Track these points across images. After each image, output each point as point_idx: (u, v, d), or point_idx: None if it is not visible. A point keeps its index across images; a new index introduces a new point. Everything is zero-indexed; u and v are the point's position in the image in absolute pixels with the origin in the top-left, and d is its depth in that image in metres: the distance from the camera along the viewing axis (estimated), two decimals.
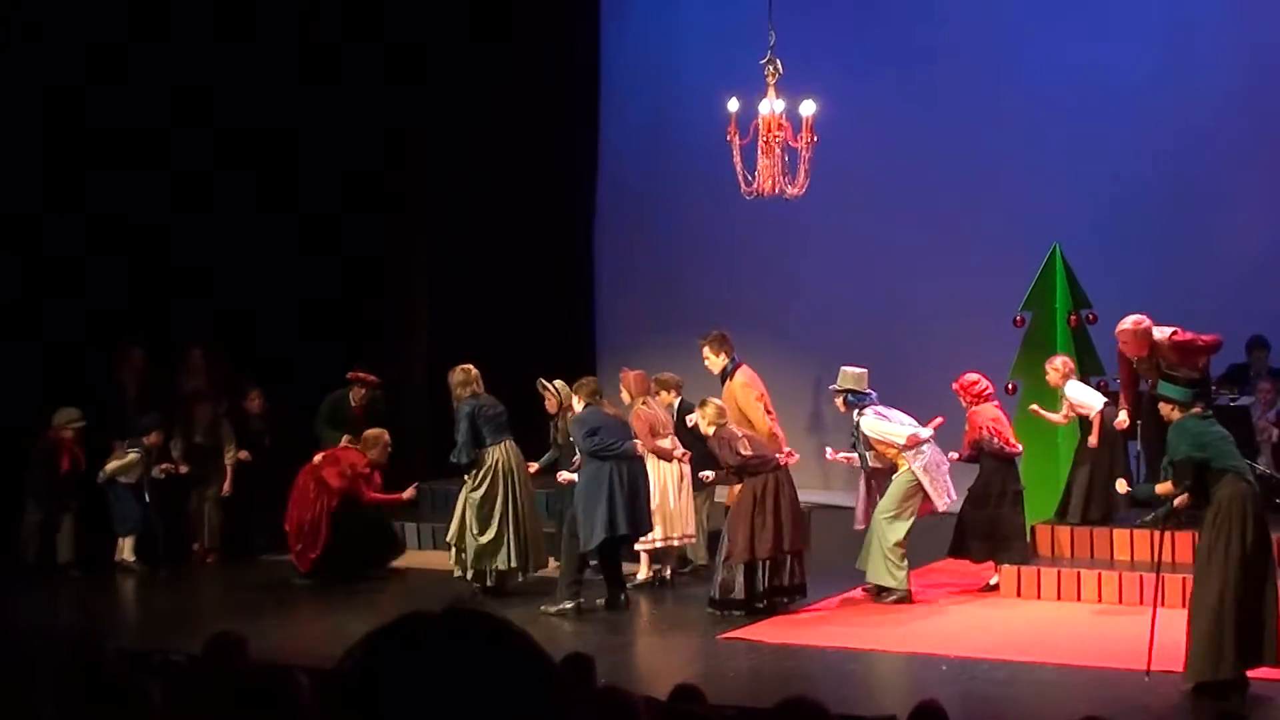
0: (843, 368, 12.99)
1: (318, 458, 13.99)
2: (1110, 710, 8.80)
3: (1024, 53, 15.84)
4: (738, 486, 12.52)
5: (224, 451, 15.13)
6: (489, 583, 13.19)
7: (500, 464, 13.11)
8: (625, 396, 13.44)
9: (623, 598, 12.64)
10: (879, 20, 16.33)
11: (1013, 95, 15.82)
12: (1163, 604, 10.77)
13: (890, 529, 12.51)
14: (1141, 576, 12.13)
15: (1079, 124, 15.54)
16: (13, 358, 14.12)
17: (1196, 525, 10.39)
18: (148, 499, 14.64)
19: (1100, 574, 12.54)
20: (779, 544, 12.19)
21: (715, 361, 13.60)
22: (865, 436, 12.71)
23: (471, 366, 13.36)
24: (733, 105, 12.26)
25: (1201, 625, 9.84)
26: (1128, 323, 12.90)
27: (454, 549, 13.30)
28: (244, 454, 15.18)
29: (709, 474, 12.68)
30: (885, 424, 12.62)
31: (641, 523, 12.63)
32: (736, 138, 12.22)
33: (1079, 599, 12.53)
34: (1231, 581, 9.78)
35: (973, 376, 13.07)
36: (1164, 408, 10.38)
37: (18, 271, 14.32)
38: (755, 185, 12.31)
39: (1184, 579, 10.87)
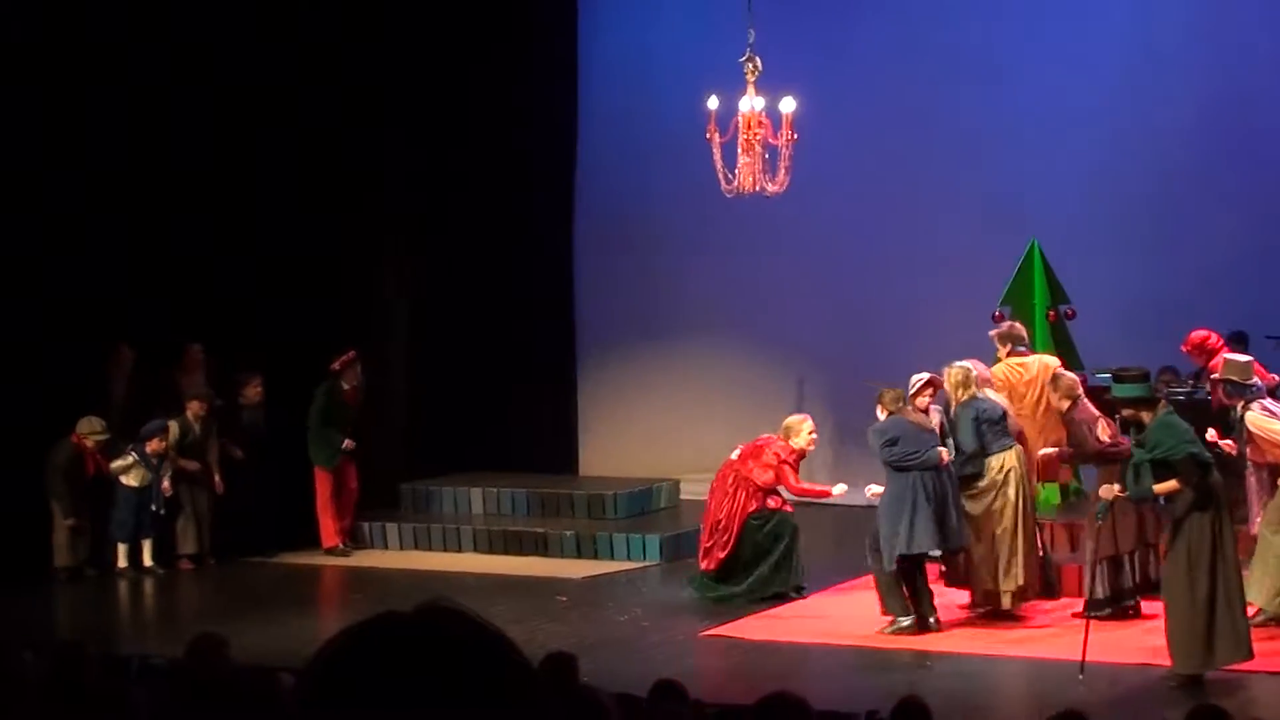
0: (1226, 356, 11.97)
1: (736, 451, 12.92)
2: (1096, 704, 8.83)
3: (1002, 50, 15.88)
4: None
5: (207, 450, 14.91)
6: (1004, 604, 11.83)
7: (1013, 473, 11.77)
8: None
9: (933, 620, 11.63)
10: (859, 17, 16.36)
11: (991, 92, 15.86)
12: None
13: (1275, 542, 11.20)
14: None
15: (1057, 120, 15.60)
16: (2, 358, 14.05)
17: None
18: (155, 508, 14.38)
19: (1080, 568, 12.55)
20: (1142, 536, 11.39)
21: (1001, 351, 12.84)
22: (1248, 431, 11.48)
23: (970, 366, 12.15)
24: (712, 103, 12.27)
25: (1205, 615, 9.89)
26: None
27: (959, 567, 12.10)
28: (238, 452, 15.02)
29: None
30: (1272, 420, 11.36)
31: (952, 536, 11.59)
32: (716, 135, 12.23)
33: (1061, 594, 12.55)
34: (1229, 569, 9.92)
35: (1201, 332, 12.78)
36: (1129, 411, 10.40)
37: (9, 267, 14.27)
38: (735, 183, 12.32)
39: None
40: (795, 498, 12.93)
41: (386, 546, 15.27)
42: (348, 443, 14.87)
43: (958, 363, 12.04)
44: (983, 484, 11.75)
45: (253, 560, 14.75)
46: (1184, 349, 13.36)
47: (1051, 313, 13.85)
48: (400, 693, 1.64)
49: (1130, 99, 15.37)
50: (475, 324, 16.87)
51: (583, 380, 17.57)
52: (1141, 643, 10.79)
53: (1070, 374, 11.87)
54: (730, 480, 12.76)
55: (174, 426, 14.54)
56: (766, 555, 12.68)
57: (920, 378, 12.07)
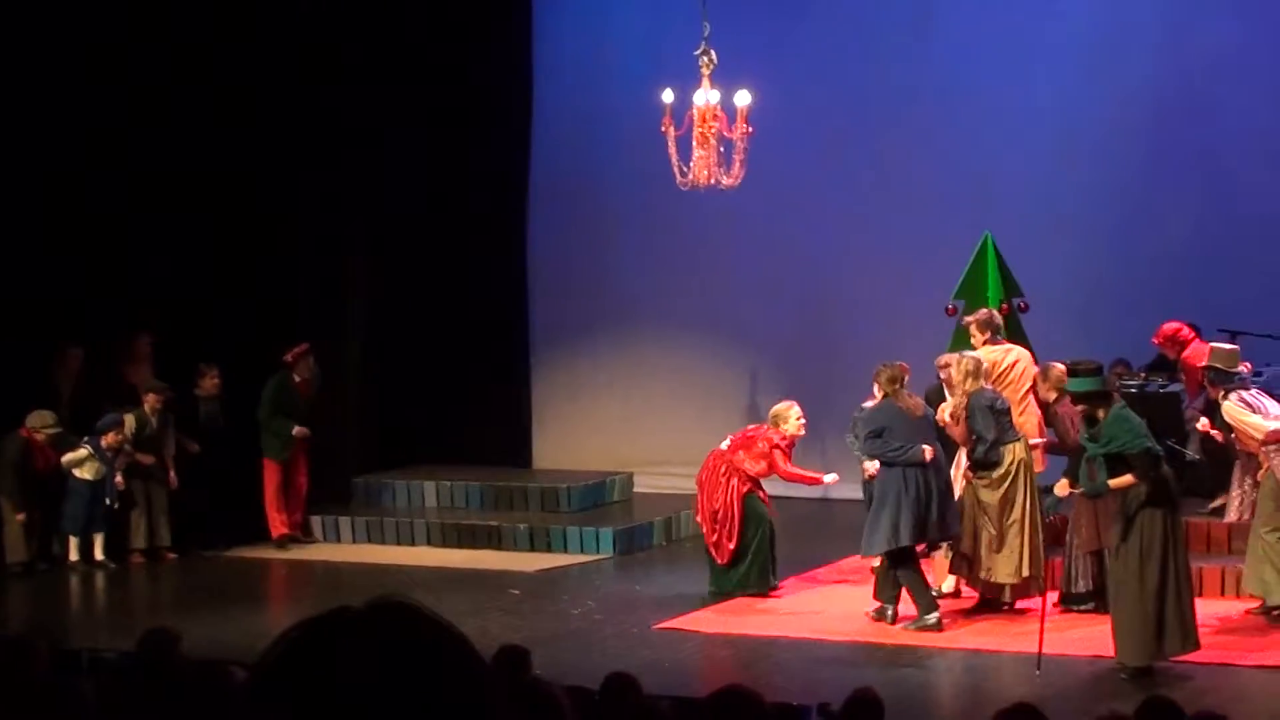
0: (1213, 344, 11.90)
1: (726, 442, 12.80)
2: (1046, 697, 8.87)
3: (959, 44, 15.92)
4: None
5: (163, 444, 14.79)
6: (1006, 598, 11.89)
7: (1022, 464, 11.66)
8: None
9: (890, 612, 11.59)
10: (813, 11, 16.37)
11: (947, 86, 15.90)
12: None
13: (1270, 543, 11.12)
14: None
15: (1014, 114, 15.65)
16: None
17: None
18: (109, 502, 14.25)
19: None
20: None
21: (979, 339, 12.60)
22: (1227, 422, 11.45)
23: (980, 357, 12.02)
24: (667, 96, 12.27)
25: (1155, 607, 9.95)
26: None
27: (964, 559, 11.97)
28: (194, 446, 14.93)
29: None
30: (1247, 413, 11.22)
31: (932, 530, 11.56)
32: (671, 129, 12.24)
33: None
34: (1180, 562, 10.00)
35: (1173, 325, 12.66)
36: (1085, 408, 10.41)
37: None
38: (690, 176, 12.34)
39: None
40: (786, 483, 12.87)
41: (339, 540, 15.22)
42: (299, 429, 14.80)
43: (968, 353, 12.02)
44: (998, 473, 11.64)
45: (205, 554, 14.68)
46: (1155, 341, 13.41)
47: (1005, 306, 13.89)
48: (352, 687, 1.64)
49: (1087, 94, 15.43)
50: (428, 318, 16.81)
51: (536, 373, 17.54)
52: (1097, 636, 10.83)
53: (1060, 365, 11.74)
54: (722, 470, 12.65)
55: (130, 420, 14.44)
56: (759, 550, 12.57)
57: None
